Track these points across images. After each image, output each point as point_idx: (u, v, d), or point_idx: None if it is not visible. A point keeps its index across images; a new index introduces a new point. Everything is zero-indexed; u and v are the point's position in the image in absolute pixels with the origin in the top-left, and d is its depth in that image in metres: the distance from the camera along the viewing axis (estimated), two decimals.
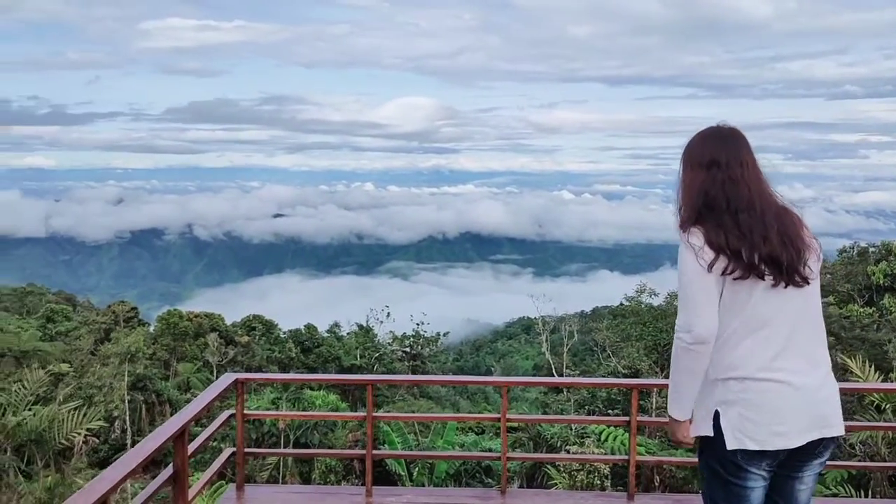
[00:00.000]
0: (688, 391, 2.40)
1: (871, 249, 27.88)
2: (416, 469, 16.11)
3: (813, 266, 2.43)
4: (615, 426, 13.17)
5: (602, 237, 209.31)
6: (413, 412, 26.76)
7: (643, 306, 23.47)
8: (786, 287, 2.36)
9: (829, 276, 29.15)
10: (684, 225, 2.48)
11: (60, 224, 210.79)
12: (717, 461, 2.39)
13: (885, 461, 11.40)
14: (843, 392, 2.68)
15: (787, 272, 2.35)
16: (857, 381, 10.88)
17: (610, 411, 17.25)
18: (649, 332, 21.44)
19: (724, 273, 2.35)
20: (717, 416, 2.36)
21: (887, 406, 10.91)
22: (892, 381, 13.34)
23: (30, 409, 12.84)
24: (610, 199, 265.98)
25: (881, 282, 22.91)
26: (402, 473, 15.97)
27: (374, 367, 40.99)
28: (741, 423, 2.32)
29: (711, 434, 2.38)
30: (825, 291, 26.58)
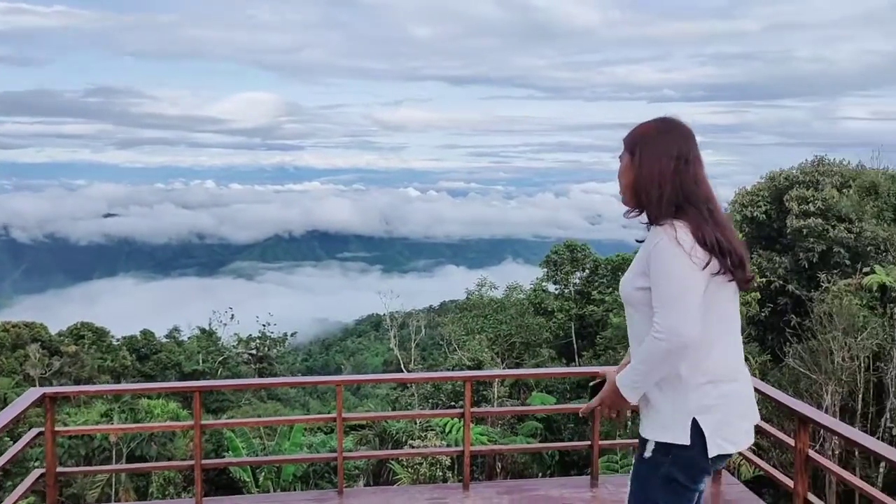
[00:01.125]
0: (652, 385, 2.33)
1: None
2: (262, 474, 15.68)
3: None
4: (460, 418, 13.53)
5: (448, 233, 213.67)
6: (258, 416, 26.01)
7: (485, 300, 24.25)
8: (739, 288, 2.39)
9: None
10: (661, 218, 2.32)
11: None
12: (682, 468, 2.31)
13: None
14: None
15: (747, 273, 2.36)
16: None
17: (454, 403, 17.68)
18: (490, 324, 22.21)
19: (715, 273, 2.28)
20: (695, 423, 2.28)
21: None
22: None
23: None
24: (455, 196, 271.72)
25: None
26: (248, 480, 15.48)
27: (218, 371, 39.39)
28: (720, 428, 2.29)
29: (688, 442, 2.28)
30: None
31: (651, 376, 2.29)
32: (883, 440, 15.92)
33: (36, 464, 19.21)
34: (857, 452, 13.64)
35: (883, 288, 17.77)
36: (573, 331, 28.85)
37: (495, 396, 17.13)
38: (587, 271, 31.38)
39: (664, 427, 2.32)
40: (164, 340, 43.97)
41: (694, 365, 2.28)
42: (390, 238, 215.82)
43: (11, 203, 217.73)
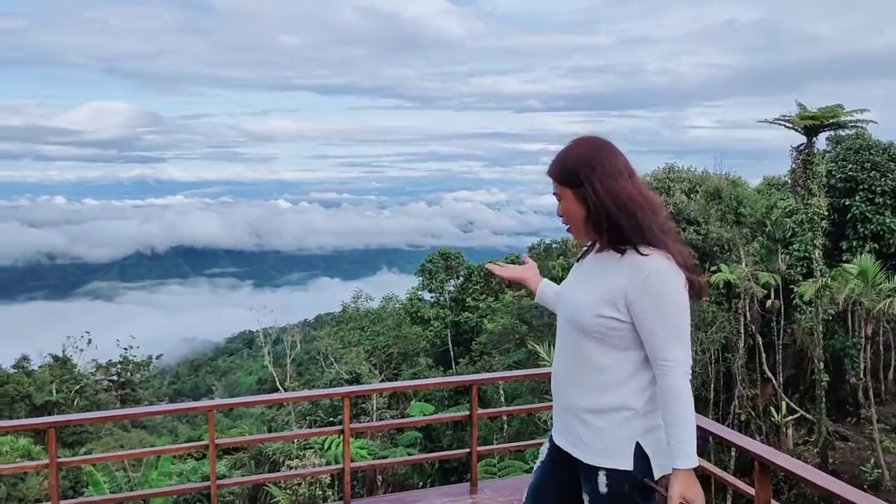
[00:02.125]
0: (691, 428, 2.12)
1: (554, 245, 31.79)
2: None
3: None
4: (336, 434, 13.34)
5: (321, 244, 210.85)
6: (122, 446, 24.49)
7: (361, 311, 24.13)
8: (697, 299, 2.29)
9: None
10: (640, 244, 2.16)
11: None
12: (636, 489, 2.24)
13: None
14: (536, 377, 2.98)
15: (700, 290, 2.28)
16: (547, 365, 12.29)
17: (332, 419, 17.43)
18: (367, 336, 22.12)
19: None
20: (638, 447, 2.20)
21: None
22: None
23: None
24: (327, 207, 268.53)
25: (560, 274, 26.32)
26: None
27: (74, 401, 36.67)
28: (661, 449, 2.23)
29: (631, 468, 2.20)
30: (519, 285, 29.68)
31: (691, 420, 2.10)
32: (732, 426, 17.27)
33: None
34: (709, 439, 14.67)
35: (728, 285, 19.29)
36: (450, 338, 29.29)
37: (374, 408, 17.06)
38: (461, 279, 31.98)
39: (608, 455, 2.22)
40: (12, 371, 40.48)
41: (643, 392, 2.22)
42: (261, 251, 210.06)
43: None
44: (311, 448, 12.90)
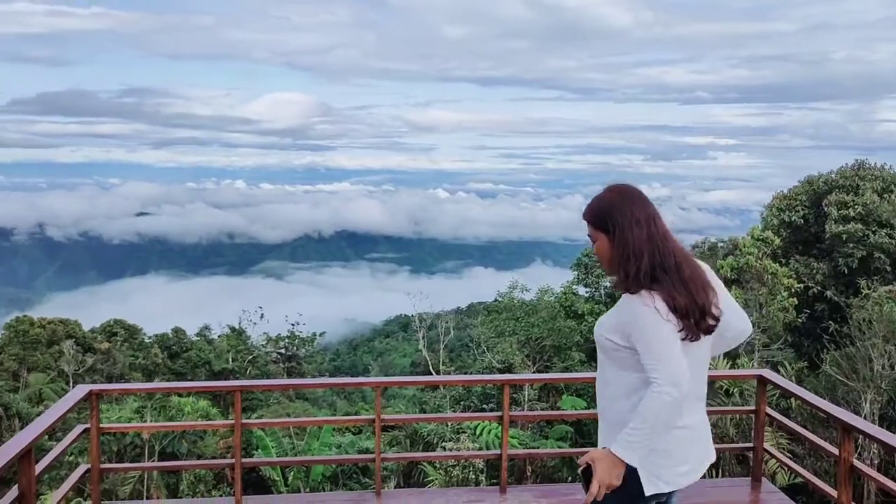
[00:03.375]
0: (653, 442, 2.42)
1: (720, 244, 30.13)
2: (292, 473, 15.76)
3: (717, 309, 2.57)
4: (489, 420, 13.46)
5: (476, 235, 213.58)
6: (288, 415, 26.16)
7: (516, 302, 24.12)
8: (708, 334, 2.56)
9: None
10: (637, 286, 2.47)
11: None
12: (626, 500, 2.48)
13: (734, 442, 12.32)
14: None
15: (709, 328, 2.53)
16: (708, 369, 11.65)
17: (485, 406, 17.60)
18: (521, 326, 22.07)
19: (686, 338, 2.46)
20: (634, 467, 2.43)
21: (734, 390, 11.80)
22: (738, 368, 14.46)
23: None
24: (484, 198, 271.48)
25: (729, 275, 24.84)
26: (277, 479, 15.57)
27: (247, 370, 39.72)
28: (657, 469, 2.46)
29: (622, 481, 2.43)
30: None
31: (654, 432, 2.38)
32: None
33: (70, 458, 19.54)
34: None
35: None
36: None
37: (526, 399, 17.03)
38: None
39: None
40: (195, 339, 44.48)
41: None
42: (419, 239, 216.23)
43: (46, 201, 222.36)
44: (464, 432, 13.13)
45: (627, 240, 2.50)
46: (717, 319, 2.54)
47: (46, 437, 3.76)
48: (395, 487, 14.59)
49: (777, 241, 21.70)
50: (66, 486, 4.36)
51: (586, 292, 30.55)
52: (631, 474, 2.43)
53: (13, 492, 3.67)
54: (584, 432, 17.65)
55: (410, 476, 14.59)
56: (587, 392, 20.53)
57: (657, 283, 2.46)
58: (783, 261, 21.93)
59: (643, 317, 2.42)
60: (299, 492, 14.46)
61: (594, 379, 2.85)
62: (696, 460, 2.58)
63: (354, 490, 15.01)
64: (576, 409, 15.68)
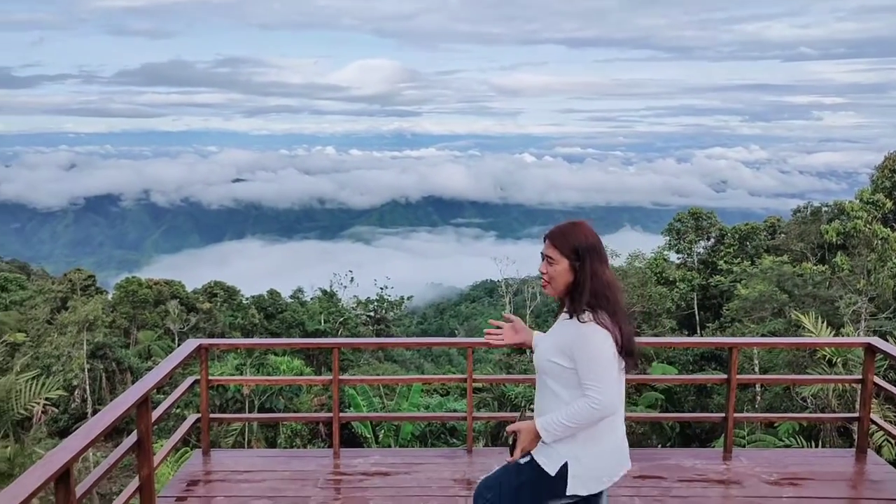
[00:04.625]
0: (568, 434, 2.81)
1: (824, 209, 28.59)
2: (382, 431, 16.25)
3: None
4: None
5: (563, 200, 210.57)
6: (378, 375, 26.87)
7: None
8: (628, 370, 2.91)
9: (782, 235, 29.84)
10: (588, 315, 2.76)
11: (10, 190, 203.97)
12: (535, 488, 2.87)
13: (835, 413, 11.83)
14: (796, 347, 2.78)
15: (634, 364, 2.87)
16: (810, 337, 11.20)
17: None
18: None
19: (620, 366, 2.81)
20: (565, 466, 2.80)
21: (838, 360, 11.29)
22: (842, 336, 13.79)
23: None
24: (571, 162, 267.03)
25: (833, 240, 23.53)
26: (368, 436, 16.09)
27: (338, 331, 40.96)
28: (584, 472, 2.82)
29: (553, 474, 2.81)
30: (780, 250, 27.29)
31: (572, 432, 2.79)
32: None
33: (176, 411, 20.79)
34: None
35: None
36: (695, 301, 27.86)
37: None
38: (712, 240, 30.09)
39: (547, 456, 2.84)
40: (289, 300, 46.12)
41: (590, 428, 2.79)
42: (505, 204, 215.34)
43: (151, 169, 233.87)
44: None
45: (590, 275, 2.79)
46: (636, 359, 2.87)
47: (154, 390, 4.01)
48: (483, 447, 14.83)
49: (889, 204, 20.42)
50: (179, 433, 4.66)
51: (678, 258, 29.72)
52: (560, 471, 2.81)
53: (132, 437, 3.95)
54: (675, 400, 17.35)
55: (498, 437, 14.77)
56: (678, 359, 20.11)
57: (605, 316, 2.76)
58: (895, 225, 20.64)
59: (593, 340, 2.72)
60: (391, 448, 14.89)
61: (686, 345, 3.02)
62: (619, 467, 2.91)
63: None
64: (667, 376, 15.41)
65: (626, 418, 3.02)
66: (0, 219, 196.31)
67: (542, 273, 2.93)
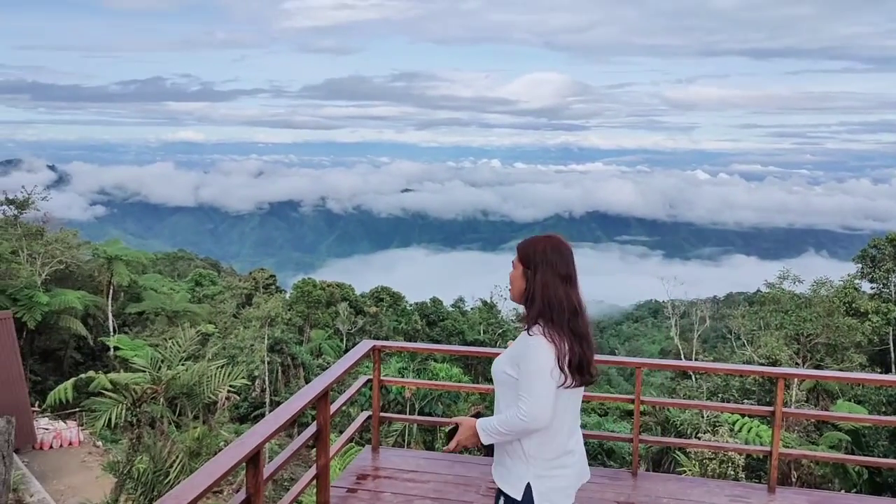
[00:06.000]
0: (504, 440, 2.91)
1: None
2: None
3: (595, 368, 2.95)
4: (751, 416, 12.55)
5: (738, 220, 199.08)
6: None
7: (785, 294, 22.10)
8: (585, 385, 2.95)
9: None
10: (536, 326, 2.81)
11: (207, 195, 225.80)
12: None
13: None
14: None
15: (587, 382, 2.88)
16: None
17: (744, 401, 16.43)
18: (791, 321, 20.19)
19: (565, 385, 2.81)
20: (528, 487, 2.86)
21: None
22: None
23: (182, 365, 13.88)
24: (749, 180, 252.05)
25: None
26: None
27: (496, 343, 41.20)
28: (548, 492, 2.88)
29: (520, 498, 2.87)
30: None
31: (506, 438, 2.89)
32: None
33: (344, 409, 21.85)
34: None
35: None
36: (891, 337, 25.17)
37: (792, 399, 15.59)
38: None
39: (508, 484, 2.91)
40: (450, 309, 47.11)
41: (539, 444, 2.85)
42: (674, 222, 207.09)
43: (329, 177, 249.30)
44: (721, 425, 12.37)
45: (540, 284, 2.85)
46: (593, 376, 2.90)
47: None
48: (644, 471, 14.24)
49: None
50: (352, 428, 4.89)
51: (871, 288, 27.06)
52: (527, 494, 2.87)
53: (311, 428, 4.20)
54: (863, 443, 15.74)
55: (660, 464, 14.13)
56: (868, 399, 18.24)
57: (555, 331, 2.78)
58: None
59: (535, 353, 2.76)
60: None
61: (879, 382, 2.74)
62: (578, 481, 2.99)
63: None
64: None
65: (803, 457, 2.78)
66: (198, 220, 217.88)
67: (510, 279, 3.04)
